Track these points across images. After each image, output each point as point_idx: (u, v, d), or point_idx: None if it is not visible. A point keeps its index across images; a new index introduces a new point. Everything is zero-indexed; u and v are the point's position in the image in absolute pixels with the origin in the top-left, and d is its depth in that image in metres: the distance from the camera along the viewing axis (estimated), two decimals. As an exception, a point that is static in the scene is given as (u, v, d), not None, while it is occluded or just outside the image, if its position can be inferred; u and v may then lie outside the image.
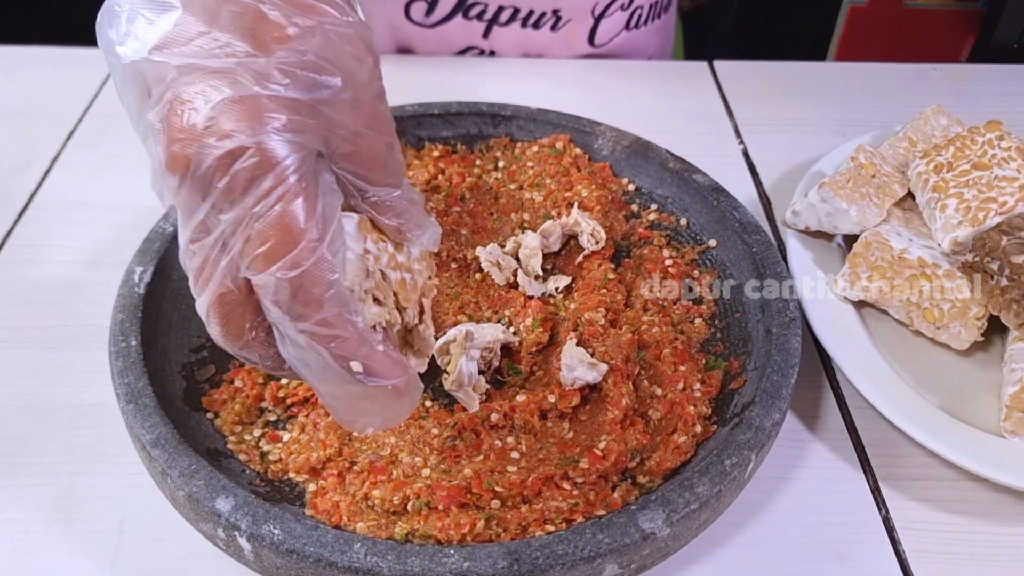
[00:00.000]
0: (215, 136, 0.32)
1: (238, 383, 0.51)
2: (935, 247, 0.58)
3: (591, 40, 0.89)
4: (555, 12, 0.86)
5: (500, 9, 0.85)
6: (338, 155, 0.35)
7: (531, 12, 0.85)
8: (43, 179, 0.71)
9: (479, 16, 0.85)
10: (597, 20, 0.88)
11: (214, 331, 0.36)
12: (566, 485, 0.45)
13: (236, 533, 0.40)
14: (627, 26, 0.91)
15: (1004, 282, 0.53)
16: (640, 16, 0.91)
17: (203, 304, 0.35)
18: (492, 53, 0.89)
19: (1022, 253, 0.52)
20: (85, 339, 0.58)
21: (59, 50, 0.87)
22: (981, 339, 0.55)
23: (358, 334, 0.34)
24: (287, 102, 0.33)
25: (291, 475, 0.47)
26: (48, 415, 0.53)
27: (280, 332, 0.35)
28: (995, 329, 0.56)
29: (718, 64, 0.89)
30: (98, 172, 0.72)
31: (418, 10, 0.85)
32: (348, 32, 0.35)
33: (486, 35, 0.87)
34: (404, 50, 0.88)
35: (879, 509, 0.50)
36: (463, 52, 0.89)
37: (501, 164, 0.67)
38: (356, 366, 0.34)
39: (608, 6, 0.87)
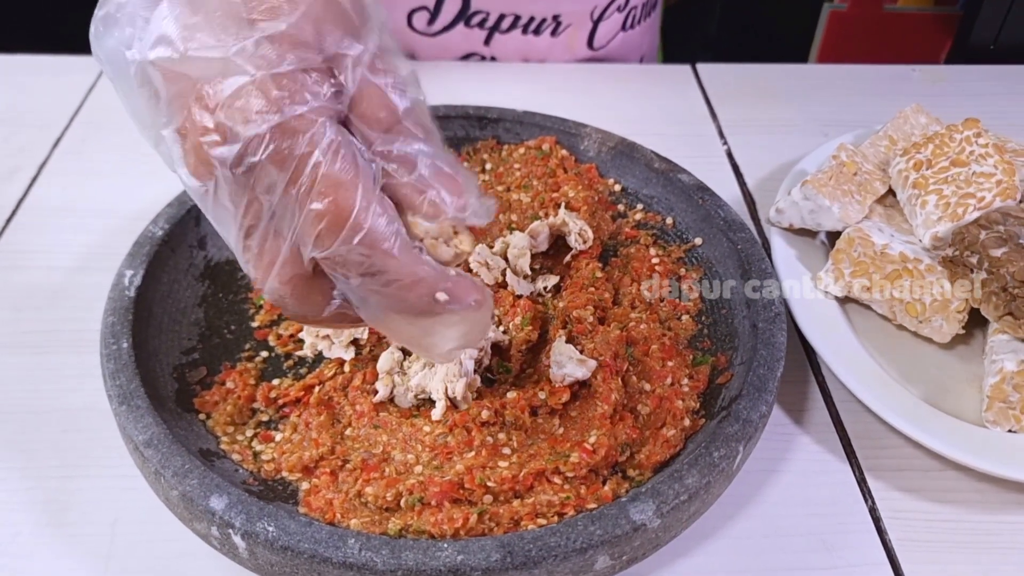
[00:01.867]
0: (240, 125, 0.32)
1: (230, 384, 0.51)
2: (916, 243, 0.59)
3: (590, 44, 0.90)
4: (555, 18, 0.87)
5: (501, 17, 0.86)
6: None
7: (532, 19, 0.86)
8: (31, 185, 0.71)
9: (480, 24, 0.86)
10: (596, 24, 0.89)
11: (292, 312, 0.37)
12: (557, 479, 0.46)
13: (230, 531, 0.40)
14: (623, 27, 0.92)
15: (983, 275, 0.53)
16: (635, 16, 0.93)
17: (273, 291, 0.36)
18: (493, 59, 0.90)
19: (1000, 247, 0.53)
20: (74, 343, 0.58)
21: (45, 58, 0.87)
22: (962, 332, 0.56)
23: (432, 269, 0.35)
24: (296, 75, 0.33)
25: (284, 474, 0.47)
26: (38, 419, 0.53)
27: (358, 296, 0.36)
28: (976, 322, 0.57)
29: (701, 67, 0.90)
30: (85, 178, 0.72)
31: (420, 19, 0.86)
32: None
33: (487, 42, 0.88)
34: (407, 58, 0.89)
35: (865, 500, 0.51)
36: (465, 59, 0.90)
37: (488, 166, 0.67)
38: (441, 296, 0.36)
39: (606, 9, 0.89)
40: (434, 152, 0.37)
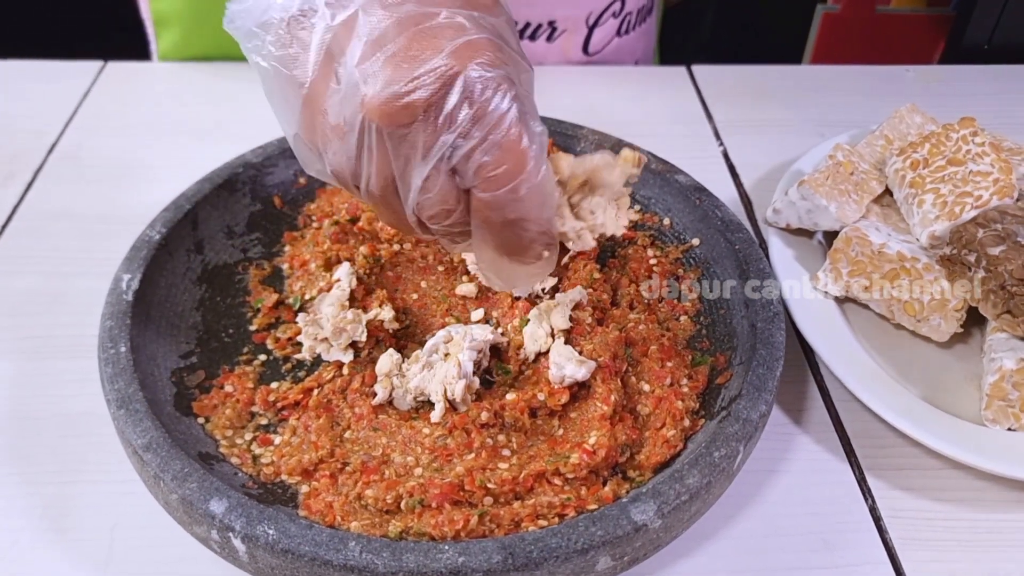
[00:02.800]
0: (439, 79, 0.37)
1: (228, 388, 0.51)
2: (913, 242, 0.59)
3: (585, 49, 0.90)
4: (551, 23, 0.87)
5: None
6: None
7: (527, 24, 0.86)
8: (26, 190, 0.71)
9: None
10: (591, 29, 0.89)
11: (428, 234, 0.43)
12: (557, 481, 0.46)
13: (231, 534, 0.40)
14: (619, 32, 0.92)
15: (982, 274, 0.54)
16: (630, 22, 0.93)
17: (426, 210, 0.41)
18: None
19: (998, 245, 0.53)
20: (71, 348, 0.58)
21: (40, 63, 0.86)
22: (961, 331, 0.56)
23: (554, 232, 0.43)
24: (485, 40, 0.38)
25: (283, 477, 0.47)
26: (36, 424, 0.53)
27: (485, 230, 0.41)
28: (974, 321, 0.57)
29: (696, 68, 0.90)
30: (81, 183, 0.72)
31: None
32: None
33: None
34: None
35: (865, 499, 0.51)
36: None
37: (485, 168, 0.67)
38: (546, 253, 0.43)
39: (601, 14, 0.89)
40: None
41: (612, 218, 0.46)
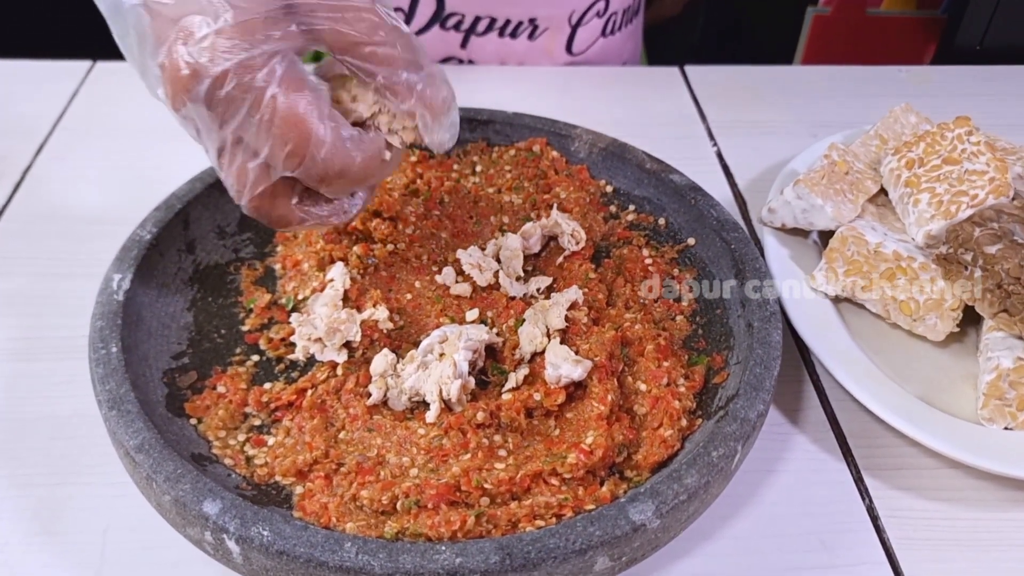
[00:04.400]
0: (208, 63, 0.39)
1: (221, 389, 0.51)
2: (909, 241, 0.59)
3: (569, 48, 0.90)
4: (532, 21, 0.86)
5: (477, 19, 0.85)
6: (334, 46, 0.41)
7: (508, 21, 0.86)
8: (14, 191, 0.70)
9: (456, 27, 0.86)
10: (574, 28, 0.89)
11: (270, 220, 0.45)
12: (554, 481, 0.45)
13: (224, 536, 0.40)
14: (603, 33, 0.92)
15: (978, 272, 0.53)
16: (615, 22, 0.92)
17: (247, 206, 0.44)
18: (471, 63, 0.89)
19: (995, 244, 0.53)
20: (60, 350, 0.57)
21: (27, 63, 0.86)
22: (957, 330, 0.56)
23: (381, 165, 0.45)
24: (257, 21, 0.39)
25: (278, 478, 0.46)
26: (25, 427, 0.52)
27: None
28: (970, 320, 0.57)
29: (689, 69, 0.90)
30: (70, 184, 0.71)
31: None
32: None
33: (464, 45, 0.87)
34: None
35: (863, 498, 0.51)
36: (442, 63, 0.89)
37: (479, 168, 0.67)
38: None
39: (584, 14, 0.88)
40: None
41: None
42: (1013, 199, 0.57)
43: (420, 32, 0.86)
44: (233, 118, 0.40)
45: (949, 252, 0.55)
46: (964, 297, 0.54)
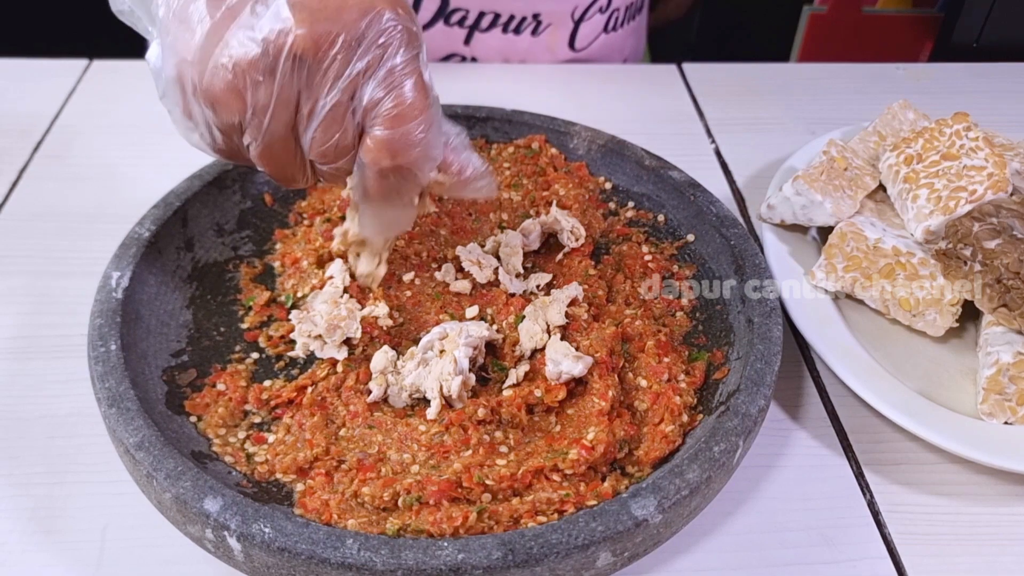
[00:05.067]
0: (362, 12, 0.40)
1: (220, 386, 0.51)
2: (908, 237, 0.59)
3: (571, 44, 0.90)
4: (535, 17, 0.86)
5: (481, 15, 0.85)
6: None
7: (512, 17, 0.86)
8: (11, 190, 0.70)
9: (460, 22, 0.86)
10: (577, 24, 0.89)
11: (333, 176, 0.45)
12: (556, 477, 0.45)
13: (226, 533, 0.40)
14: (605, 29, 0.92)
15: (977, 267, 0.54)
16: (617, 18, 0.93)
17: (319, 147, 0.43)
18: (474, 59, 0.89)
19: (994, 239, 0.53)
20: (58, 349, 0.57)
21: (24, 61, 0.85)
22: (956, 325, 0.56)
23: (426, 180, 0.45)
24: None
25: (278, 476, 0.46)
26: (23, 425, 0.52)
27: (369, 171, 0.43)
28: (969, 315, 0.57)
29: (687, 66, 0.90)
30: (66, 183, 0.71)
31: None
32: None
33: (467, 41, 0.87)
34: None
35: (864, 494, 0.51)
36: (445, 59, 0.89)
37: (477, 165, 0.67)
38: (416, 200, 0.47)
39: (587, 9, 0.88)
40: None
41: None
42: (1011, 194, 0.57)
43: (424, 28, 0.86)
44: (376, 69, 0.41)
45: (948, 247, 0.55)
46: (963, 292, 0.54)
